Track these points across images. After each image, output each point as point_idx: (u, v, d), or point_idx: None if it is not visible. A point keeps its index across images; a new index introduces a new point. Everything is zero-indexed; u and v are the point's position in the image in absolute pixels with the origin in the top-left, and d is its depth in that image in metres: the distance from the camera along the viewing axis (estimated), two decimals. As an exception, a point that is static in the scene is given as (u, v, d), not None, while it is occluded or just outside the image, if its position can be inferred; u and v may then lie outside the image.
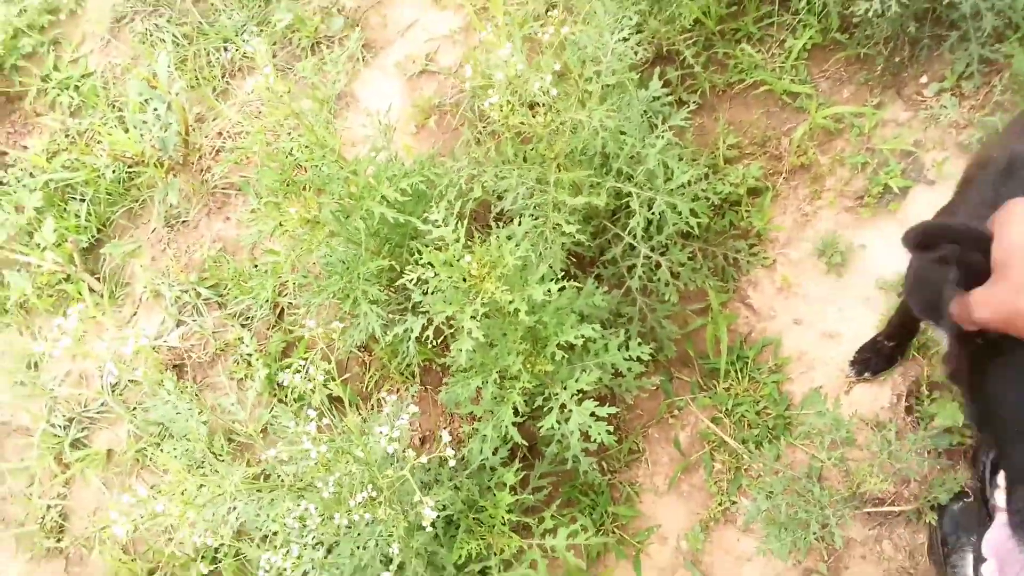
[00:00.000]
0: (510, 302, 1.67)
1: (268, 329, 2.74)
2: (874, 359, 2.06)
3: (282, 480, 1.57)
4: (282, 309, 2.77)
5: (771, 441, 2.08)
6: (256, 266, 2.77)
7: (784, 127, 2.43)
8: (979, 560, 0.93)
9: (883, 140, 2.27)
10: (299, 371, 1.59)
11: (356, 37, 2.95)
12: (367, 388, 2.54)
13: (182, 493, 1.27)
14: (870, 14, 2.08)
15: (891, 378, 2.07)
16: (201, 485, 1.42)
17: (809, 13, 2.41)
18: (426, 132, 2.80)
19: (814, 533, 1.78)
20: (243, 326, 2.72)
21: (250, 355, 2.65)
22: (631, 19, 2.01)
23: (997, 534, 0.91)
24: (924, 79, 2.30)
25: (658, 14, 2.45)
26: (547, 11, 2.72)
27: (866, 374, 2.07)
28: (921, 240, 0.90)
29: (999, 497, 0.92)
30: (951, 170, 2.17)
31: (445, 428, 2.39)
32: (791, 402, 2.13)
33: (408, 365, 2.41)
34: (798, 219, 2.31)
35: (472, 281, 1.68)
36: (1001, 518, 0.92)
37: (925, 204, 2.17)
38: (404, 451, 1.58)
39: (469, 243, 1.69)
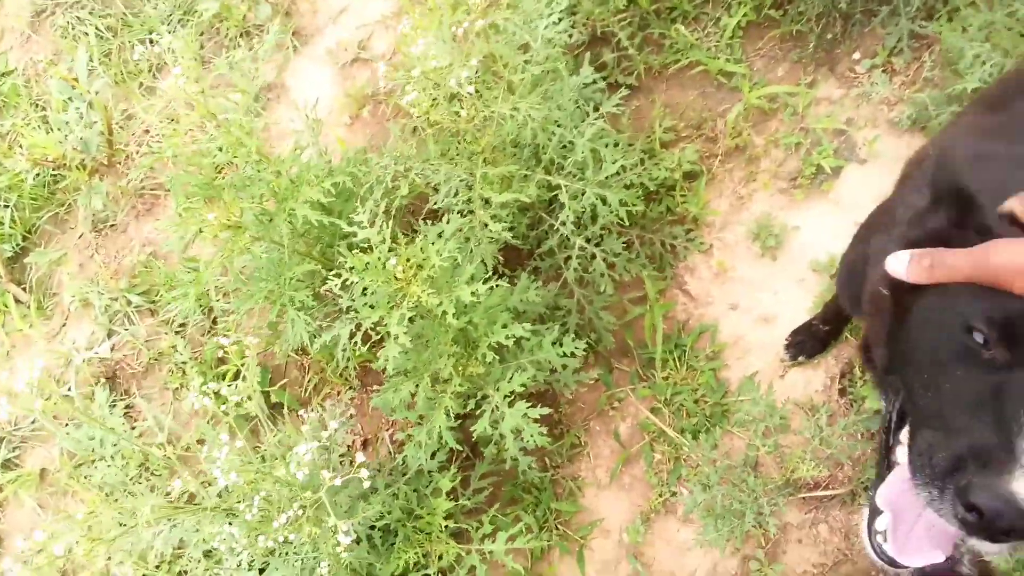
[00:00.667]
0: (438, 305, 1.63)
1: (202, 336, 2.67)
2: (809, 342, 2.06)
3: (205, 503, 1.53)
4: (216, 315, 2.70)
5: (708, 430, 2.08)
6: (189, 271, 2.69)
7: (719, 108, 2.41)
8: (874, 513, 0.93)
9: (816, 119, 2.26)
10: (231, 384, 1.55)
11: (281, 25, 2.85)
12: (306, 392, 2.49)
13: (89, 528, 1.22)
14: (800, -8, 2.06)
15: (825, 361, 2.08)
16: (119, 512, 1.37)
17: (742, -9, 2.38)
18: (360, 123, 2.73)
19: (749, 522, 1.79)
20: (177, 333, 2.65)
21: (184, 364, 2.58)
22: (561, 2, 1.96)
23: (893, 486, 0.91)
24: (857, 55, 2.29)
25: (590, -4, 2.40)
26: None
27: (801, 357, 2.07)
28: None
29: (900, 453, 0.92)
30: (882, 148, 2.17)
31: (387, 431, 2.36)
32: (728, 389, 2.13)
33: (345, 369, 2.37)
34: (733, 202, 2.30)
35: (398, 284, 1.64)
36: (899, 472, 0.91)
37: (857, 184, 2.17)
38: (336, 460, 1.55)
39: (395, 244, 1.64)
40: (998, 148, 1.01)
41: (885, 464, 0.96)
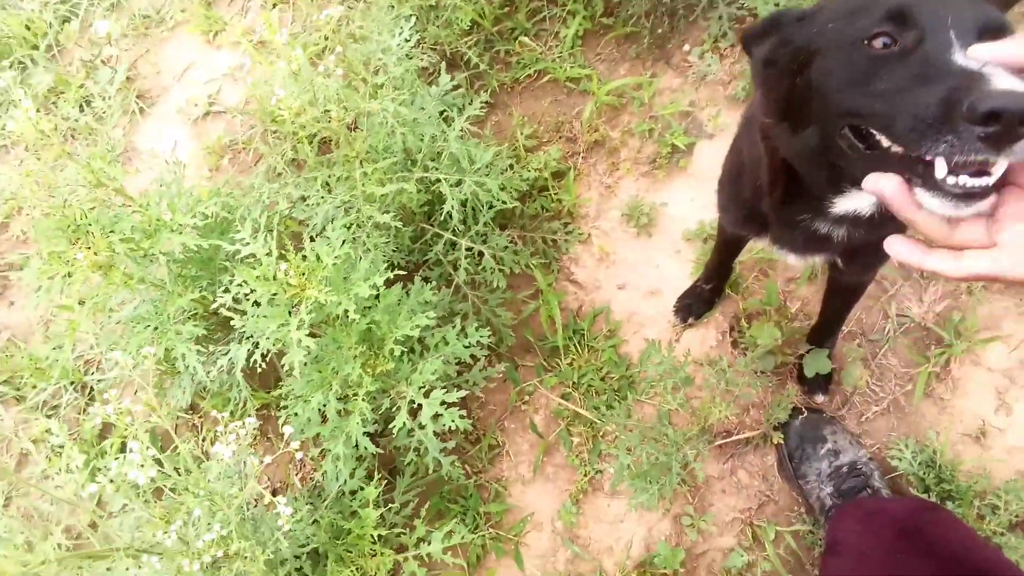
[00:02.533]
0: (338, 304, 1.60)
1: (79, 413, 2.48)
2: (695, 304, 2.17)
3: (114, 547, 1.40)
4: (91, 389, 2.51)
5: (620, 402, 2.13)
6: (51, 340, 2.50)
7: (574, 110, 2.54)
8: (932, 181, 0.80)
9: (662, 106, 2.44)
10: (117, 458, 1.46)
11: (123, 81, 2.77)
12: (203, 450, 2.34)
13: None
14: (627, -8, 2.24)
15: (713, 318, 2.19)
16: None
17: (575, 2, 2.55)
18: (221, 173, 2.68)
19: (677, 474, 1.83)
20: (48, 416, 2.45)
21: (62, 446, 2.36)
22: (408, 18, 2.04)
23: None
24: (687, 47, 2.49)
25: (435, 20, 2.50)
26: (326, 38, 2.70)
27: (690, 319, 2.18)
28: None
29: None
30: (725, 121, 2.36)
31: (296, 475, 2.25)
32: (630, 362, 2.20)
33: (243, 413, 2.25)
34: (603, 192, 2.41)
35: (293, 291, 1.60)
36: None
37: (710, 155, 2.34)
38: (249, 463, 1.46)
39: (285, 252, 1.61)
40: None
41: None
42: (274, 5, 2.83)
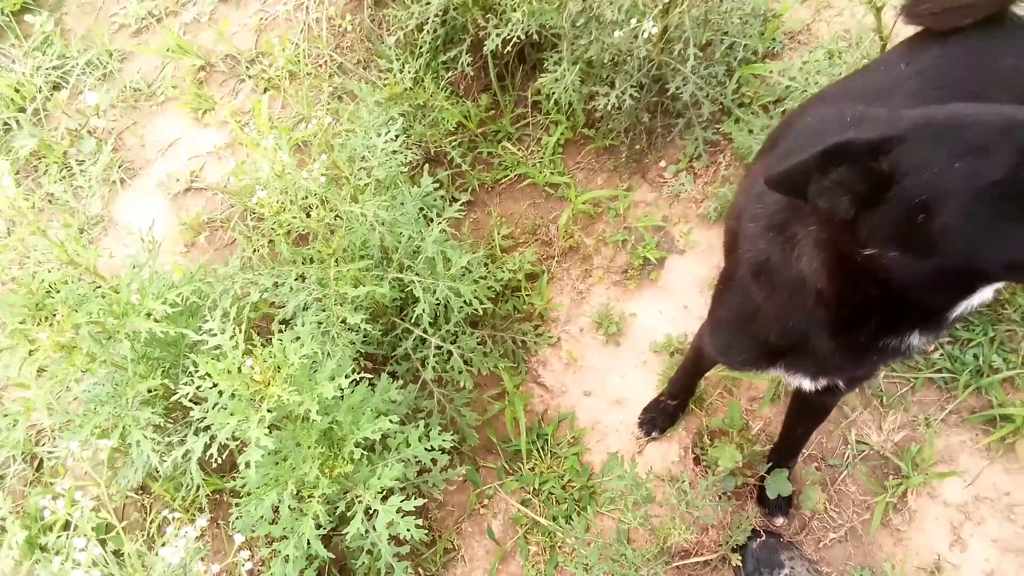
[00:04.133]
0: (300, 404, 1.59)
1: (25, 486, 2.40)
2: (659, 418, 2.18)
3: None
4: (40, 460, 2.44)
5: (579, 513, 2.11)
6: (5, 415, 2.43)
7: (551, 215, 2.60)
8: None
9: (636, 219, 2.50)
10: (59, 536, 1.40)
11: (108, 158, 2.78)
12: (149, 534, 2.26)
13: None
14: (609, 107, 2.33)
15: (677, 433, 2.20)
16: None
17: (558, 112, 2.64)
18: (197, 250, 2.68)
19: (632, 595, 1.81)
20: (-8, 487, 2.36)
21: (3, 519, 2.27)
22: (396, 120, 2.09)
23: None
24: (663, 163, 2.58)
25: (422, 119, 2.57)
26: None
27: (654, 433, 2.18)
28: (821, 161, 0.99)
29: None
30: (696, 238, 2.43)
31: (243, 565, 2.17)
32: (592, 471, 2.19)
33: (194, 500, 2.19)
34: (574, 297, 2.45)
35: (256, 387, 1.58)
36: None
37: (680, 270, 2.40)
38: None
39: (251, 346, 1.60)
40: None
41: None
42: (265, 90, 2.89)
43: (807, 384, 1.46)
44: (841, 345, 1.28)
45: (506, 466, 2.23)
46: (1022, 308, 2.17)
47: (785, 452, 2.03)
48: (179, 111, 2.91)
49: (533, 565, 2.09)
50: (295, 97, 2.75)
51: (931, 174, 0.96)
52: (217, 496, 2.27)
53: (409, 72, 2.50)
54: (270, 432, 1.55)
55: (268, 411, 1.55)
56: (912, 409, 2.16)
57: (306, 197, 1.71)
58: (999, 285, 1.07)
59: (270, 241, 2.19)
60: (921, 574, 2.01)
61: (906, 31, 1.59)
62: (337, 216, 1.87)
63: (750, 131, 2.31)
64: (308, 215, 1.72)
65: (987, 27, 1.40)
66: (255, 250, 2.38)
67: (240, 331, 1.64)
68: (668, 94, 2.35)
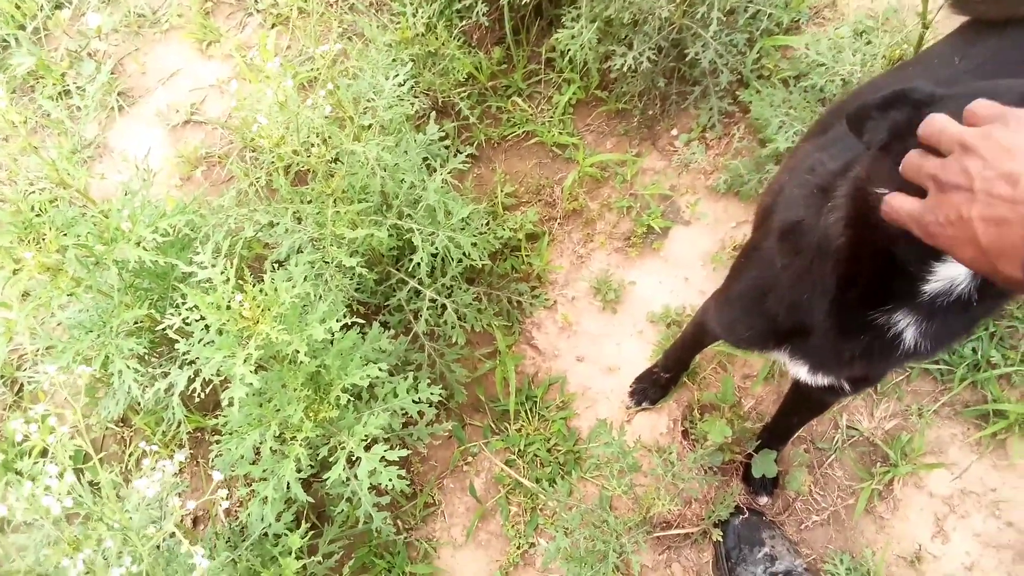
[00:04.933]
0: (289, 344, 1.55)
1: (5, 410, 2.36)
2: (651, 389, 2.15)
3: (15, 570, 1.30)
4: (21, 385, 2.40)
5: (563, 477, 2.09)
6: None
7: (556, 176, 2.54)
8: None
9: (643, 186, 2.45)
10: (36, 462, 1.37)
11: (106, 80, 2.70)
12: (127, 467, 2.24)
13: None
14: (625, 69, 2.26)
15: (668, 405, 2.17)
16: None
17: (572, 71, 2.57)
18: (192, 184, 2.61)
19: (612, 562, 1.79)
20: (-29, 407, 2.33)
21: (-22, 441, 2.24)
22: (405, 63, 2.02)
23: None
24: (675, 131, 2.52)
25: (432, 67, 2.50)
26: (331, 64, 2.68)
27: (645, 403, 2.16)
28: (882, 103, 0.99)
29: None
30: (703, 211, 2.38)
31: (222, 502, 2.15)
32: (579, 437, 2.17)
33: (175, 436, 2.16)
34: (574, 261, 2.40)
35: (245, 324, 1.54)
36: None
37: (684, 242, 2.35)
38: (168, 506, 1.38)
39: (242, 282, 1.56)
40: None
41: None
42: (273, 25, 2.81)
43: (804, 375, 1.42)
44: (836, 324, 1.24)
45: (493, 425, 2.21)
46: (1026, 305, 2.14)
47: (776, 435, 2.01)
48: (183, 40, 2.82)
49: (513, 525, 2.08)
50: (304, 31, 2.67)
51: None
52: (198, 434, 2.24)
53: (422, 17, 2.42)
54: (256, 371, 1.51)
55: (256, 349, 1.52)
56: (906, 398, 2.14)
57: (308, 134, 1.65)
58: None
59: (268, 177, 2.13)
60: (901, 563, 2.00)
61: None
62: (338, 157, 1.82)
63: (770, 104, 2.25)
64: (308, 153, 1.66)
65: None
66: (251, 185, 2.32)
67: (231, 266, 1.59)
68: (686, 60, 2.28)
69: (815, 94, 2.24)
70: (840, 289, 1.18)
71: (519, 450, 2.15)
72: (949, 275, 1.01)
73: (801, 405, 1.85)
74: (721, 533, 1.99)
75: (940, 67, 1.43)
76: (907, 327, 1.14)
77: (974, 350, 2.13)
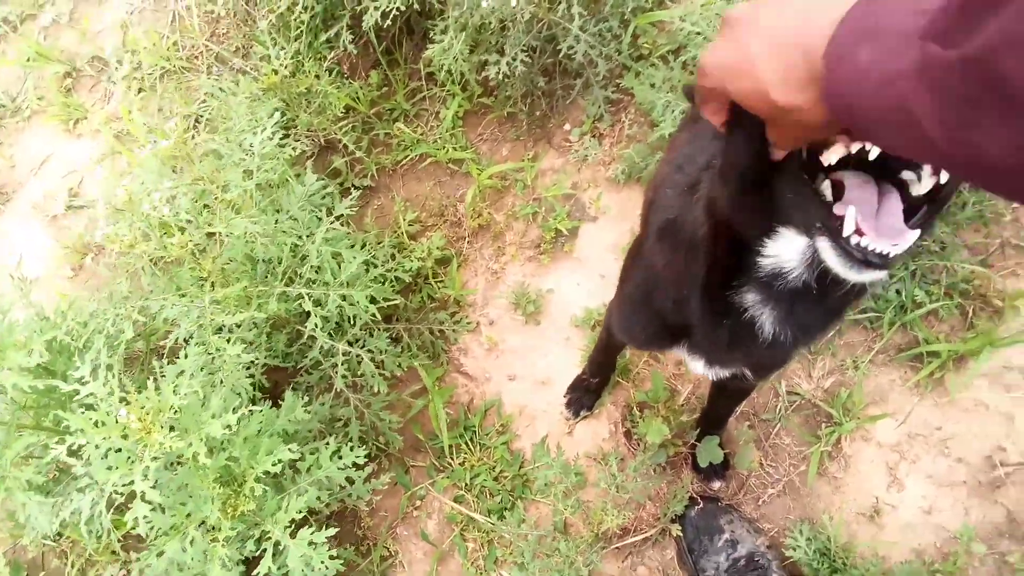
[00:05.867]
0: (188, 447, 1.47)
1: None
2: (585, 396, 2.11)
3: None
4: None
5: (514, 505, 2.04)
6: None
7: (457, 193, 2.47)
8: (835, 231, 0.86)
9: (546, 188, 2.39)
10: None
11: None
12: (70, 581, 2.15)
13: None
14: (501, 75, 2.19)
15: (605, 409, 2.13)
16: None
17: (453, 83, 2.50)
18: (86, 273, 2.50)
19: (573, 586, 1.75)
20: None
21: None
22: (271, 113, 1.94)
23: (850, 189, 0.87)
24: (567, 126, 2.46)
25: (307, 107, 2.40)
26: (193, 126, 2.57)
27: (583, 412, 2.11)
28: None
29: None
30: (607, 203, 2.33)
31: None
32: (524, 458, 2.12)
33: (107, 544, 2.07)
34: (489, 278, 2.34)
35: (137, 436, 1.46)
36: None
37: (594, 239, 2.30)
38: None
39: (125, 393, 1.47)
40: None
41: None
42: (139, 91, 2.68)
43: (703, 369, 1.39)
44: (707, 310, 1.21)
45: (436, 464, 2.15)
46: (939, 239, 2.12)
47: (711, 422, 1.99)
48: (47, 124, 2.69)
49: (472, 562, 2.03)
50: (172, 95, 2.56)
51: None
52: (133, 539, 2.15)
53: (286, 57, 2.32)
54: (155, 484, 1.44)
55: (152, 460, 1.44)
56: (839, 353, 2.12)
57: (159, 232, 1.57)
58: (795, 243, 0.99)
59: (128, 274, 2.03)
60: (861, 519, 1.99)
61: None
62: (211, 234, 1.73)
63: (652, 85, 2.20)
64: (167, 244, 1.58)
65: None
66: (144, 266, 2.22)
67: (115, 375, 1.51)
68: (562, 55, 2.22)
69: (695, 67, 2.19)
70: (707, 275, 1.16)
71: (466, 484, 2.10)
72: (777, 250, 1.02)
73: (722, 394, 1.82)
74: (680, 528, 1.96)
75: None
76: (763, 312, 1.13)
77: (898, 292, 2.11)
